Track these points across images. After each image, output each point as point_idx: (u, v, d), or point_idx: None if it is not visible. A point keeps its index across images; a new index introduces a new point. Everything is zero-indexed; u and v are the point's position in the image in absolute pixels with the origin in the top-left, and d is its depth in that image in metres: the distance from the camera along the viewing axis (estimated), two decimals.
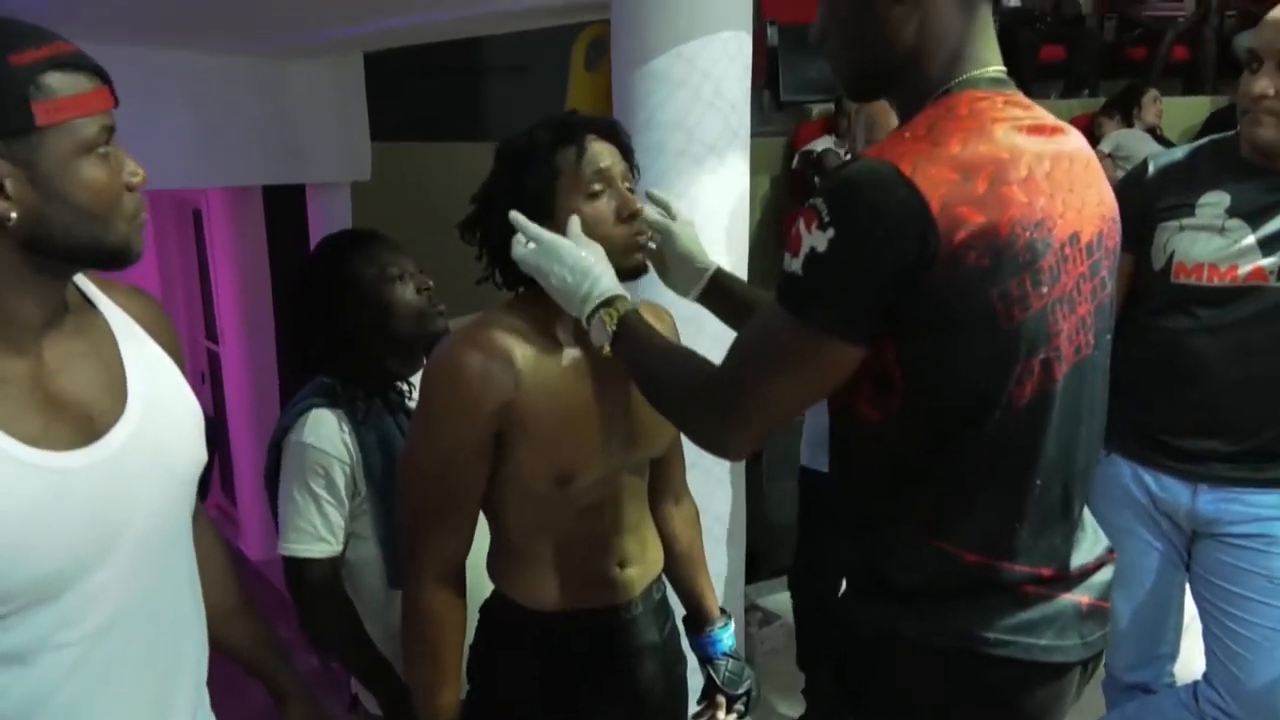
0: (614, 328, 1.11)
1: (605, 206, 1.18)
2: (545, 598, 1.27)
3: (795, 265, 0.93)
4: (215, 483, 4.87)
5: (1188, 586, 1.81)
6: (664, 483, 1.44)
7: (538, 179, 1.16)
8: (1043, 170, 0.95)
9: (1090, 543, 1.08)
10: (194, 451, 1.03)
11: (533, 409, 1.18)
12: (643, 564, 1.34)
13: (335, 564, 1.53)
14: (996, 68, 1.01)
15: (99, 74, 0.90)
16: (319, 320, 1.55)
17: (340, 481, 1.49)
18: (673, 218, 1.34)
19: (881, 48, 1.01)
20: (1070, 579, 1.03)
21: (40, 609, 0.87)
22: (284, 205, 3.96)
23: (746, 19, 2.08)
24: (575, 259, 1.13)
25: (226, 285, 4.38)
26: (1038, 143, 0.96)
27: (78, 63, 0.87)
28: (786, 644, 2.93)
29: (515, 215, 1.16)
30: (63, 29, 0.90)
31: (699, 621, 1.48)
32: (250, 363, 4.38)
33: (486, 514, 1.28)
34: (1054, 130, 1.00)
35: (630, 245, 1.20)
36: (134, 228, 0.93)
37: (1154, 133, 4.48)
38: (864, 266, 0.90)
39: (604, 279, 1.13)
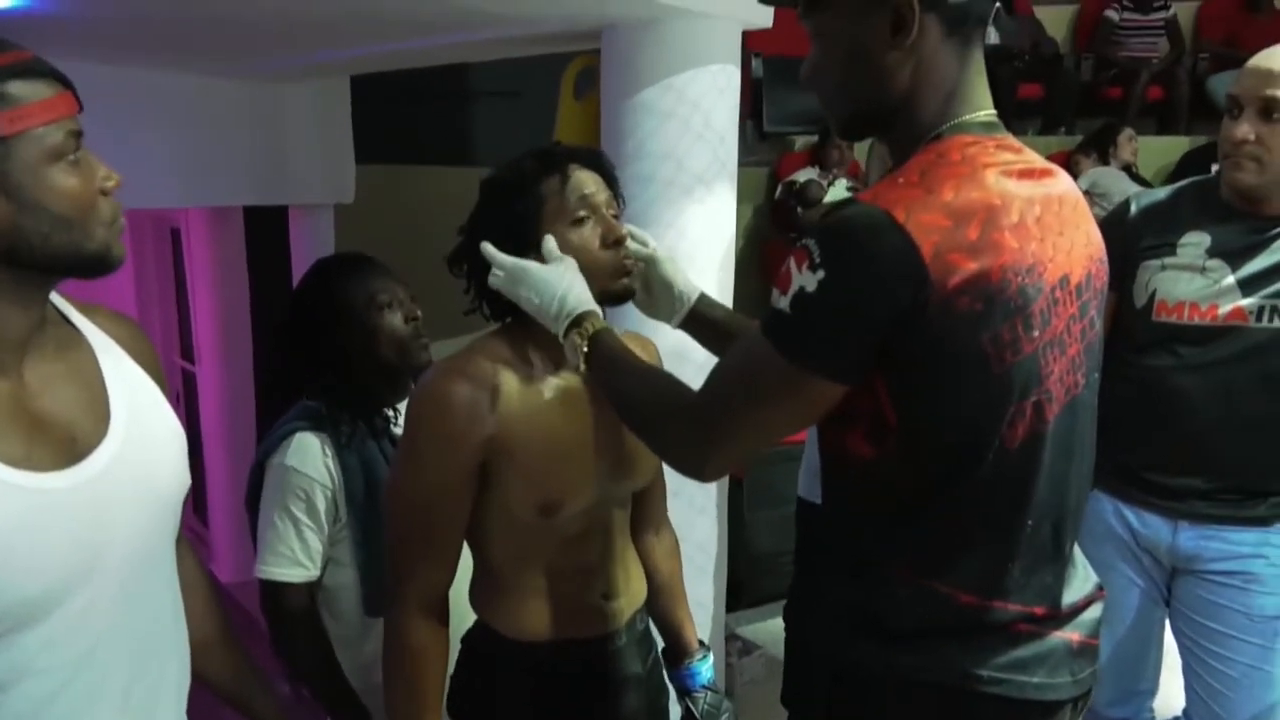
0: (584, 348, 1.12)
1: (590, 233, 1.19)
2: (529, 628, 1.26)
3: (783, 303, 0.94)
4: (188, 504, 4.79)
5: (1168, 623, 1.82)
6: (645, 513, 1.44)
7: (523, 208, 1.17)
8: (1033, 215, 0.95)
9: (1080, 580, 1.08)
10: (177, 474, 1.02)
11: (518, 439, 1.18)
12: (627, 594, 1.33)
13: (312, 589, 1.52)
14: (988, 111, 1.02)
15: (60, 80, 0.88)
16: (307, 342, 1.55)
17: (321, 506, 1.49)
18: (645, 254, 1.34)
19: (876, 91, 1.01)
20: (1061, 617, 1.03)
21: (23, 633, 0.86)
22: (265, 226, 3.94)
23: (736, 53, 2.10)
24: (539, 279, 1.14)
25: (204, 305, 4.35)
26: (1028, 187, 0.97)
27: (37, 69, 0.86)
28: (767, 675, 2.91)
29: (485, 246, 1.17)
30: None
31: (678, 654, 1.47)
32: (226, 384, 4.35)
33: (470, 544, 1.27)
34: (1043, 173, 1.01)
35: (617, 270, 1.21)
36: (112, 233, 0.91)
37: (1130, 171, 4.55)
38: (852, 310, 0.91)
39: (570, 296, 1.14)
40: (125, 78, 2.76)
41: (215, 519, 4.52)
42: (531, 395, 1.20)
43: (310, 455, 1.48)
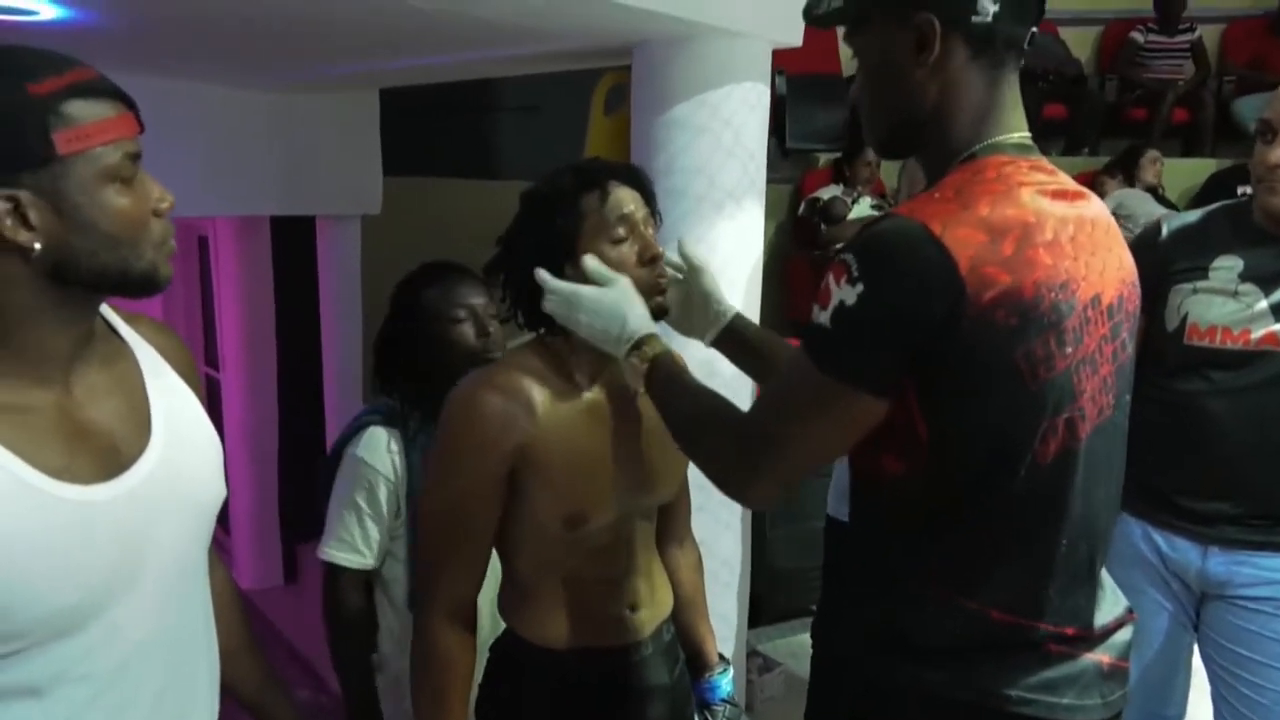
0: (645, 369, 1.13)
1: (628, 250, 1.21)
2: (555, 636, 1.27)
3: (824, 318, 0.94)
4: None
5: (1195, 648, 1.81)
6: (670, 527, 1.45)
7: (563, 223, 1.18)
8: (1067, 234, 0.97)
9: (1110, 603, 1.08)
10: (215, 484, 1.03)
11: (548, 450, 1.19)
12: (652, 606, 1.34)
13: (367, 578, 1.60)
14: (1021, 134, 1.03)
15: (123, 99, 0.89)
16: (391, 342, 1.64)
17: (383, 498, 1.56)
18: (694, 264, 1.35)
19: (906, 107, 1.04)
20: (1093, 638, 1.03)
21: (61, 641, 0.86)
22: (291, 236, 3.98)
23: (766, 71, 2.12)
24: (597, 304, 1.15)
25: (230, 313, 4.38)
26: (1061, 207, 0.98)
27: (100, 88, 0.87)
28: (786, 692, 2.90)
29: (540, 273, 1.18)
30: (82, 58, 0.90)
31: (698, 667, 1.48)
32: (250, 391, 4.38)
33: (499, 553, 1.29)
34: (1076, 195, 1.02)
35: (651, 288, 1.22)
36: (161, 254, 0.92)
37: (1155, 192, 4.54)
38: (891, 322, 0.92)
39: (630, 320, 1.15)
40: (156, 88, 2.80)
41: (237, 526, 4.54)
42: (562, 408, 1.21)
43: (378, 448, 1.56)
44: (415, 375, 1.61)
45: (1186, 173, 5.10)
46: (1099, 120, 5.34)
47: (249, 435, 4.40)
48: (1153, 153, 4.76)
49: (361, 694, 1.61)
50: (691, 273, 1.34)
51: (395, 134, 3.58)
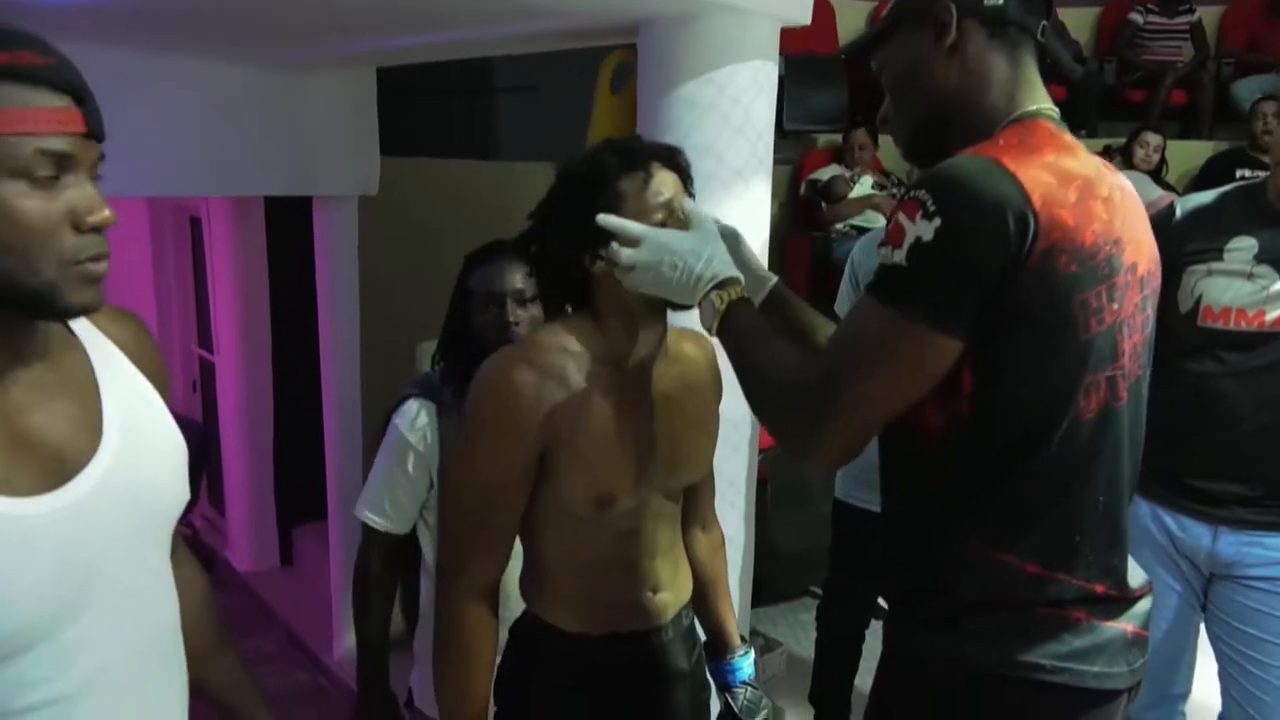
0: (723, 309, 1.09)
1: None
2: (576, 620, 1.26)
3: (899, 256, 0.93)
4: (204, 493, 4.83)
5: (1203, 627, 1.82)
6: (694, 509, 1.44)
7: (603, 205, 1.15)
8: (1118, 196, 1.00)
9: (1135, 570, 1.09)
10: (175, 490, 0.95)
11: (578, 428, 1.17)
12: (674, 589, 1.33)
13: (393, 541, 1.66)
14: (1052, 109, 1.06)
15: (73, 94, 0.79)
16: (449, 317, 1.70)
17: (413, 469, 1.60)
18: (729, 231, 1.31)
19: (931, 97, 1.07)
20: (1124, 600, 1.04)
21: (3, 669, 0.79)
22: (287, 216, 3.94)
23: (774, 50, 2.09)
24: (686, 244, 1.11)
25: (224, 294, 4.35)
26: (1108, 174, 1.02)
27: (43, 76, 0.77)
28: (788, 672, 2.91)
29: (611, 218, 1.12)
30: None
31: (719, 648, 1.47)
32: (245, 373, 4.35)
33: (522, 535, 1.27)
34: (1112, 169, 1.06)
35: None
36: (70, 274, 0.79)
37: (1155, 175, 4.54)
38: (972, 254, 0.91)
39: (717, 259, 1.11)
40: (149, 64, 2.74)
41: (233, 508, 4.52)
42: (594, 386, 1.19)
43: (414, 421, 1.61)
44: (454, 351, 1.67)
45: (1185, 155, 5.10)
46: (1097, 102, 5.32)
47: (244, 418, 4.38)
48: (1148, 135, 4.75)
49: (369, 649, 1.68)
50: (731, 238, 1.29)
51: (393, 114, 3.54)
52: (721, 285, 1.10)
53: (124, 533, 0.88)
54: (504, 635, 1.31)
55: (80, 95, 0.80)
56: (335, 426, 3.47)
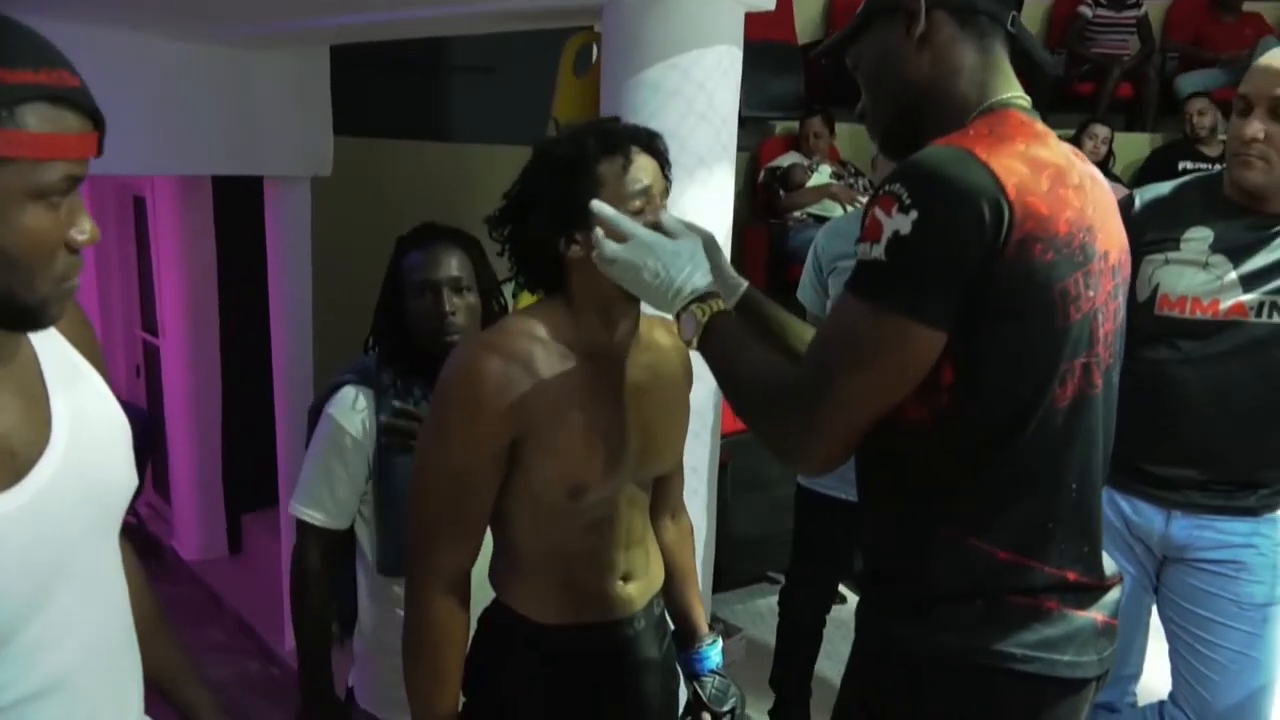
0: (704, 321, 1.08)
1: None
2: (547, 610, 1.25)
3: (877, 251, 0.93)
4: (149, 480, 4.71)
5: (1154, 609, 1.86)
6: (664, 497, 1.43)
7: (581, 187, 1.13)
8: (1089, 185, 1.01)
9: (1105, 560, 1.11)
10: (125, 478, 0.93)
11: (550, 417, 1.16)
12: (645, 579, 1.32)
13: (332, 537, 1.58)
14: (1025, 98, 1.07)
15: (93, 119, 0.80)
16: (381, 301, 1.63)
17: (351, 459, 1.54)
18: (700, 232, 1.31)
19: (904, 86, 1.09)
20: (1095, 589, 1.06)
21: None
22: (235, 197, 3.84)
23: (738, 35, 2.08)
24: (671, 252, 1.10)
25: (170, 277, 4.23)
26: (1078, 163, 1.03)
27: (74, 100, 0.78)
28: (748, 658, 2.93)
29: (604, 209, 1.11)
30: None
31: (687, 637, 1.47)
32: (192, 357, 4.25)
33: (492, 525, 1.25)
34: (1082, 160, 1.06)
35: None
36: (59, 291, 0.81)
37: (1102, 166, 4.62)
38: (950, 244, 0.91)
39: (698, 274, 1.11)
40: (92, 37, 2.65)
41: (178, 495, 4.41)
42: (565, 374, 1.17)
43: (350, 408, 1.55)
44: (389, 335, 1.61)
45: (1130, 147, 5.22)
46: (1046, 94, 5.40)
47: (191, 403, 4.27)
48: (1095, 128, 4.85)
49: (311, 654, 1.60)
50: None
51: (345, 92, 3.46)
52: (701, 299, 1.09)
53: (81, 526, 0.86)
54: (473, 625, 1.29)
55: (98, 117, 0.81)
56: (286, 411, 3.40)
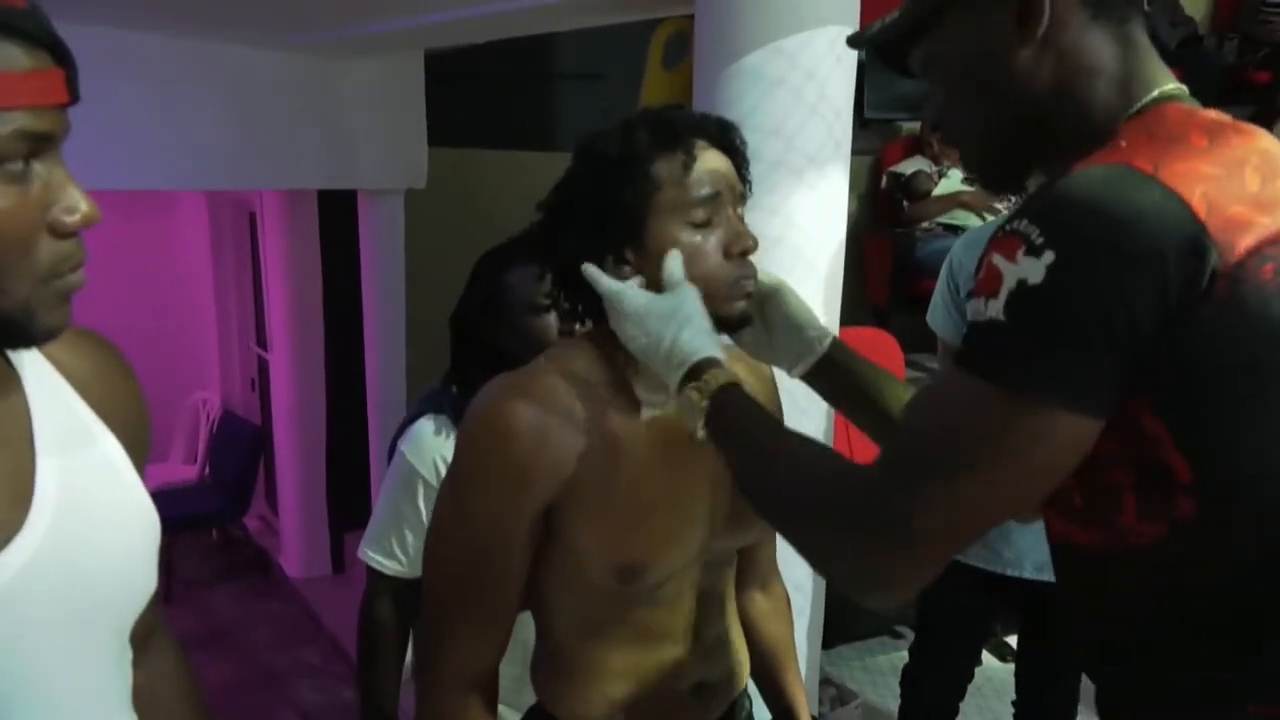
0: (704, 404, 0.84)
1: (712, 240, 0.92)
2: (600, 717, 1.00)
3: (994, 309, 0.67)
4: (260, 493, 4.76)
5: None
6: (751, 566, 1.18)
7: (630, 194, 0.89)
8: None
9: None
10: (134, 577, 0.74)
11: (596, 481, 0.92)
12: (725, 680, 1.07)
13: (405, 587, 1.44)
14: (1179, 87, 0.80)
15: (52, 51, 0.60)
16: (470, 324, 1.47)
17: (423, 502, 1.40)
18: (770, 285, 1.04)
19: (1013, 105, 0.81)
20: None
21: None
22: (340, 211, 3.79)
23: (854, 14, 1.81)
24: (645, 314, 0.88)
25: (278, 291, 4.25)
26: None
27: (18, 25, 0.58)
28: None
29: (586, 268, 0.91)
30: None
31: None
32: (297, 372, 4.25)
33: (532, 609, 1.03)
34: None
35: (736, 290, 0.93)
36: (47, 292, 0.62)
37: None
38: (1104, 299, 0.65)
39: (683, 337, 0.87)
40: (186, 51, 2.60)
41: (284, 511, 4.42)
42: (616, 425, 0.94)
43: (425, 445, 1.41)
44: (492, 364, 1.37)
45: None
46: (1217, 84, 4.86)
47: (296, 419, 4.27)
48: None
49: (376, 712, 1.45)
50: (767, 293, 1.03)
51: (444, 102, 3.34)
52: (696, 372, 0.85)
53: (61, 634, 0.68)
54: None
55: (60, 50, 0.60)
56: (380, 429, 3.31)
